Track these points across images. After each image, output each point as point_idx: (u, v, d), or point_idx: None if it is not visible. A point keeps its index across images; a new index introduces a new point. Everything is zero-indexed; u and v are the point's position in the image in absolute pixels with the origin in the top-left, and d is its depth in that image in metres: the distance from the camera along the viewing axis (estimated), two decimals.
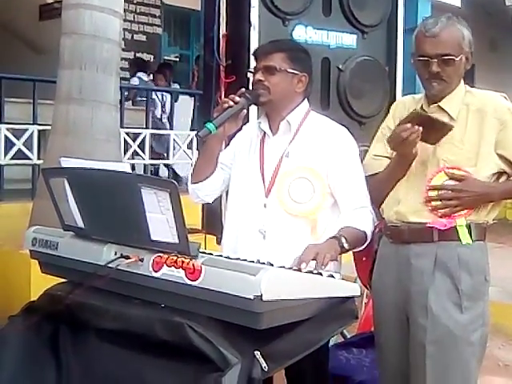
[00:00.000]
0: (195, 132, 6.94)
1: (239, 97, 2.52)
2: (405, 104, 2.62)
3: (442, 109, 2.45)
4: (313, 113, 2.69)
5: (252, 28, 3.20)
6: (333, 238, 2.41)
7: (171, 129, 7.65)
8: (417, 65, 2.44)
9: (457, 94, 2.46)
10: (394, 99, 3.59)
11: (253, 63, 2.69)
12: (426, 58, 2.39)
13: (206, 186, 2.69)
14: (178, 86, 9.75)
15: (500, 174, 2.44)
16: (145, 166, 7.28)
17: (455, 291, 2.40)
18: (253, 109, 2.95)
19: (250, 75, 2.69)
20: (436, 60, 2.38)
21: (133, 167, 6.72)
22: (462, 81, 2.49)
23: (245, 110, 2.57)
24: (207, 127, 2.46)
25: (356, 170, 2.60)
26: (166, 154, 7.55)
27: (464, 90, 2.48)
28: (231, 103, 2.51)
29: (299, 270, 2.14)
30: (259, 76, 2.57)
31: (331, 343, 3.36)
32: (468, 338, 2.39)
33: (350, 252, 2.63)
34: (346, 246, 2.40)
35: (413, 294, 2.44)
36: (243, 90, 2.57)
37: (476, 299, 2.41)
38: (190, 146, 7.45)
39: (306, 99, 2.68)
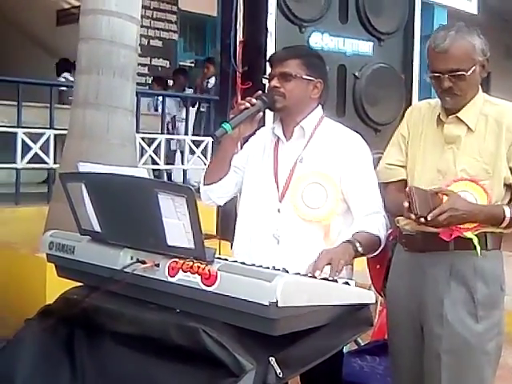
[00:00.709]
0: (203, 137, 7.04)
1: (256, 99, 2.54)
2: (420, 110, 2.59)
3: (460, 120, 2.43)
4: (326, 119, 2.69)
5: (269, 35, 3.21)
6: (346, 242, 2.41)
7: (186, 134, 7.68)
8: (430, 79, 2.42)
9: (475, 104, 2.43)
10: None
11: (268, 70, 2.70)
12: (437, 74, 2.37)
13: (218, 188, 2.70)
14: (192, 91, 9.77)
15: (508, 187, 2.41)
16: (159, 171, 7.31)
17: (471, 300, 2.39)
18: (269, 113, 2.96)
19: (265, 81, 2.69)
20: (447, 76, 2.35)
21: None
22: (481, 89, 2.47)
23: (261, 113, 2.58)
24: (223, 127, 2.47)
25: (369, 176, 2.60)
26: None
27: (483, 99, 2.45)
28: (248, 105, 2.52)
29: (314, 276, 2.13)
30: (275, 82, 2.58)
31: (345, 350, 3.36)
32: (483, 348, 2.38)
33: (364, 259, 2.63)
34: (360, 249, 2.40)
35: (428, 303, 2.43)
36: (260, 92, 2.58)
37: (491, 308, 2.39)
38: (203, 152, 7.47)
39: (319, 105, 2.69)
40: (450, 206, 2.25)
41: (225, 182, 2.69)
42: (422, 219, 2.24)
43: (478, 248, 2.33)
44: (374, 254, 2.56)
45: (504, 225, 2.35)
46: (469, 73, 2.33)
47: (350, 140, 2.64)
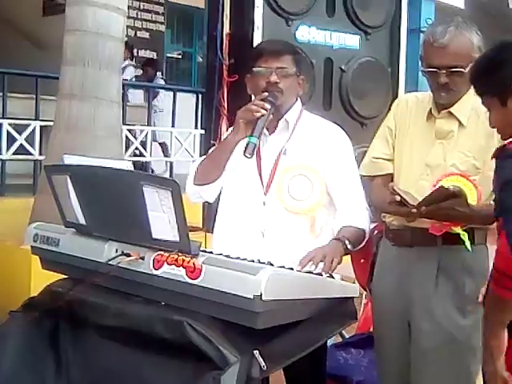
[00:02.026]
0: (199, 130, 7.01)
1: (264, 101, 2.50)
2: (407, 103, 2.57)
3: (453, 115, 2.43)
4: (305, 112, 2.69)
5: (255, 28, 3.21)
6: (336, 239, 2.42)
7: (173, 126, 7.65)
8: (425, 74, 2.40)
9: (467, 100, 2.42)
10: None
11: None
12: (434, 69, 2.35)
13: (212, 188, 2.66)
14: (164, 82, 9.69)
15: None
16: (144, 163, 7.29)
17: (458, 296, 2.39)
18: None
19: (257, 72, 2.63)
20: (444, 71, 2.34)
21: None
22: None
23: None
24: (252, 142, 2.45)
25: (351, 168, 2.62)
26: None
27: (473, 93, 2.46)
28: (263, 111, 2.47)
29: (300, 270, 2.14)
30: (275, 78, 2.54)
31: (329, 343, 3.37)
32: (470, 342, 2.38)
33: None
34: (349, 247, 2.42)
35: (415, 299, 2.43)
36: (266, 94, 2.53)
37: (479, 303, 2.41)
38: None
39: (299, 98, 2.69)
40: (451, 205, 2.24)
41: (219, 181, 2.66)
42: (415, 210, 2.24)
43: (468, 243, 2.33)
44: (359, 248, 2.57)
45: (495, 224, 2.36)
46: (466, 69, 2.31)
47: (331, 132, 2.65)
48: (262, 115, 2.47)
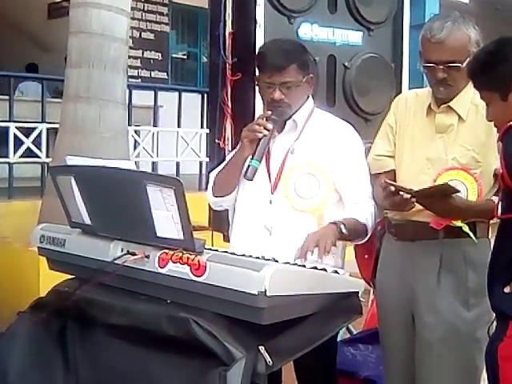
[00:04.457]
0: (205, 129, 7.01)
1: (267, 120, 2.53)
2: (406, 100, 2.60)
3: (452, 109, 2.44)
4: (317, 110, 2.70)
5: (258, 26, 3.20)
6: (331, 223, 2.43)
7: (179, 126, 7.67)
8: (423, 69, 2.42)
9: (466, 94, 2.44)
10: None
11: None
12: (431, 65, 2.36)
13: (230, 198, 2.69)
14: None
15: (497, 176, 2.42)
16: (153, 163, 7.31)
17: (462, 289, 2.40)
18: (259, 106, 2.97)
19: (262, 86, 2.63)
20: (442, 67, 2.35)
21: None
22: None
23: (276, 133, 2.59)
24: (254, 165, 2.50)
25: (360, 165, 2.62)
26: None
27: (473, 89, 2.47)
28: (265, 132, 2.50)
29: (303, 264, 2.15)
30: (279, 95, 2.55)
31: (338, 339, 3.38)
32: (474, 335, 2.39)
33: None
34: (344, 231, 2.41)
35: (418, 292, 2.44)
36: (269, 113, 2.56)
37: (482, 296, 2.39)
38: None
39: (310, 96, 2.69)
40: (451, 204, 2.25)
41: (235, 191, 2.68)
42: (408, 195, 2.26)
43: (471, 234, 2.34)
44: (362, 242, 2.58)
45: (494, 220, 2.36)
46: (464, 64, 2.32)
47: (342, 130, 2.66)
48: (265, 135, 2.50)
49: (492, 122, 2.14)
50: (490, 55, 2.04)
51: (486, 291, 2.39)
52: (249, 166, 2.52)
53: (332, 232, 2.38)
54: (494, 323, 2.10)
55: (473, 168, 2.37)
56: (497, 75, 2.01)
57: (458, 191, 2.25)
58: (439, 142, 2.45)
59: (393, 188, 2.28)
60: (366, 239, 2.57)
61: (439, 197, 2.26)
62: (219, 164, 2.83)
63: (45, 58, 9.26)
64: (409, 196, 2.27)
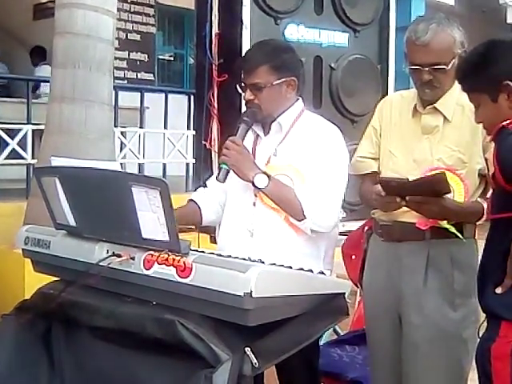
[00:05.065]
0: (191, 131, 7.00)
1: (240, 123, 2.55)
2: (391, 102, 2.61)
3: (438, 110, 2.45)
4: (307, 112, 2.69)
5: (244, 27, 3.19)
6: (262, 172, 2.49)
7: (165, 128, 7.65)
8: (409, 71, 2.42)
9: (451, 95, 2.45)
10: None
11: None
12: (417, 67, 2.37)
13: (217, 214, 2.75)
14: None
15: (483, 176, 2.42)
16: (139, 165, 7.29)
17: (448, 289, 2.41)
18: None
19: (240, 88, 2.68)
20: (427, 69, 2.36)
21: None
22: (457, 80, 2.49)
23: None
24: (225, 168, 2.53)
25: (330, 170, 2.54)
26: None
27: (459, 90, 2.47)
28: (226, 159, 2.52)
29: (290, 266, 2.14)
30: (249, 95, 2.59)
31: (324, 341, 3.38)
32: (460, 335, 2.41)
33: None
34: (263, 182, 2.48)
35: (405, 293, 2.45)
36: (242, 113, 2.61)
37: (468, 296, 2.42)
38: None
39: (300, 99, 2.68)
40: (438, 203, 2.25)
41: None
42: (399, 199, 2.26)
43: (459, 234, 2.35)
44: (346, 244, 2.58)
45: (482, 221, 2.37)
46: (449, 66, 2.34)
47: (323, 134, 2.61)
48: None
49: (480, 124, 2.14)
50: (481, 57, 2.05)
51: (472, 292, 2.41)
52: (220, 168, 2.53)
53: (250, 167, 2.52)
54: (485, 324, 2.11)
55: (459, 169, 2.38)
56: (487, 76, 2.02)
57: (449, 186, 2.25)
58: (425, 143, 2.46)
59: (383, 193, 2.28)
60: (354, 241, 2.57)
61: (431, 195, 2.25)
62: (206, 166, 2.84)
63: (30, 59, 9.19)
64: (398, 200, 2.27)
